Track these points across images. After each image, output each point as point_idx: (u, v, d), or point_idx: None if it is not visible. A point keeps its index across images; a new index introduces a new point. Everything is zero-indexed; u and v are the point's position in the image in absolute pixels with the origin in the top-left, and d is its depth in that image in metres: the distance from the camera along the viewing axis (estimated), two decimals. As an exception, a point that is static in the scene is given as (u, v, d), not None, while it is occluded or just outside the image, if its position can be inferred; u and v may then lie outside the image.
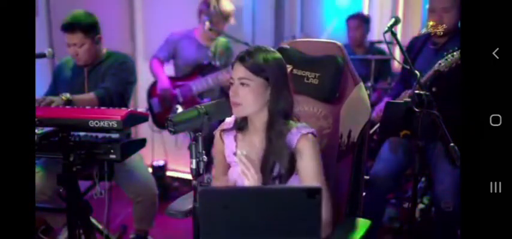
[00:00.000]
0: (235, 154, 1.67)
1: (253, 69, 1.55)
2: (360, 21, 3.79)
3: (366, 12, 4.40)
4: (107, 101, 2.49)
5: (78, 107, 2.34)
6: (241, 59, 1.57)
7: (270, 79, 1.57)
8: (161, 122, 3.32)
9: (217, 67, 3.28)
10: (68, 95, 2.35)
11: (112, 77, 2.57)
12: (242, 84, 1.56)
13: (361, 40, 3.79)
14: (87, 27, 2.53)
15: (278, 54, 1.62)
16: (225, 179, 1.72)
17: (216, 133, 1.74)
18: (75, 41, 2.51)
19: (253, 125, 1.65)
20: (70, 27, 2.50)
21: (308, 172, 1.57)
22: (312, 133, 1.60)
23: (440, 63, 2.16)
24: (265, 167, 1.59)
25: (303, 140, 1.57)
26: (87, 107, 2.09)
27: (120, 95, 2.59)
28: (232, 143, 1.70)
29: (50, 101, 2.29)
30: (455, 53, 2.12)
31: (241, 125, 1.69)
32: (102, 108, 2.05)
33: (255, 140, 1.66)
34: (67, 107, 2.26)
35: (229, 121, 1.71)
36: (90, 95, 2.49)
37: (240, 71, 1.57)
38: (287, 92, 1.60)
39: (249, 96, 1.56)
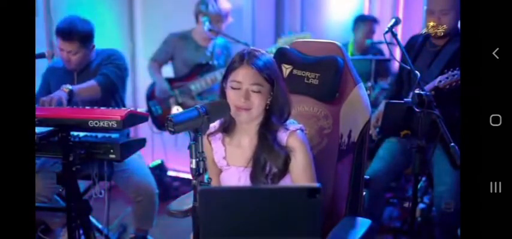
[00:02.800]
0: (225, 158, 1.66)
1: (265, 74, 1.52)
2: (372, 24, 3.79)
3: (366, 12, 4.40)
4: (109, 86, 2.48)
5: (81, 96, 2.33)
6: (251, 62, 1.52)
7: (275, 82, 1.56)
8: (161, 123, 3.32)
9: (215, 67, 3.28)
10: (69, 86, 2.30)
11: (106, 66, 2.54)
12: (256, 91, 1.52)
13: (366, 41, 3.79)
14: (84, 36, 2.48)
15: (271, 57, 1.62)
16: (217, 185, 1.70)
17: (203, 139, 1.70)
18: (70, 49, 2.46)
19: (243, 126, 1.62)
20: (67, 35, 2.44)
21: (298, 167, 1.58)
22: (301, 129, 1.61)
23: (440, 81, 2.15)
24: (256, 166, 1.58)
25: (292, 137, 1.57)
26: (87, 107, 2.09)
27: (119, 78, 2.56)
28: (220, 148, 1.67)
29: (59, 98, 2.24)
30: (456, 72, 2.11)
31: (227, 126, 1.64)
32: (102, 108, 2.05)
33: (244, 141, 1.64)
34: (67, 106, 2.25)
35: (214, 124, 1.65)
36: (91, 82, 2.45)
37: (252, 76, 1.52)
38: (287, 94, 1.60)
39: (258, 102, 1.53)
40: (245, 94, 1.52)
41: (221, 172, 1.70)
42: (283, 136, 1.58)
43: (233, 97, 1.54)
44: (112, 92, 2.54)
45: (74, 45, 2.45)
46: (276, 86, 1.56)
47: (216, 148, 1.68)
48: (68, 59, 2.50)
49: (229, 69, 1.57)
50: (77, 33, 2.44)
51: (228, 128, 1.65)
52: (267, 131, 1.58)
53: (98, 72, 2.53)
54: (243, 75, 1.52)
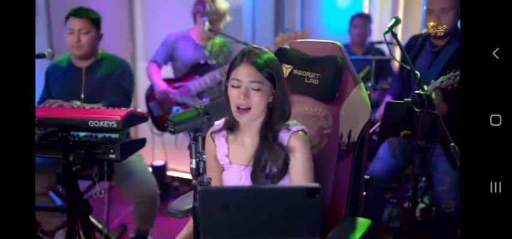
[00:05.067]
0: (227, 156, 1.67)
1: (265, 72, 1.52)
2: (365, 21, 3.79)
3: (366, 11, 4.40)
4: None
5: None
6: (251, 60, 1.52)
7: (276, 81, 1.55)
8: (161, 124, 3.32)
9: (214, 66, 3.28)
10: (78, 103, 2.33)
11: (114, 87, 2.56)
12: (255, 89, 1.52)
13: (364, 40, 3.79)
14: (95, 18, 2.59)
15: (273, 54, 1.61)
16: (219, 182, 1.71)
17: (207, 136, 1.70)
18: (82, 26, 2.53)
19: (246, 125, 1.63)
20: (79, 12, 2.56)
21: (297, 169, 1.58)
22: (303, 130, 1.61)
23: (442, 81, 2.15)
24: (257, 166, 1.59)
25: (293, 137, 1.57)
26: (87, 107, 2.09)
27: (123, 105, 2.58)
28: (224, 145, 1.67)
29: (61, 105, 2.26)
30: (457, 73, 2.11)
31: (231, 125, 1.65)
32: (102, 108, 2.05)
33: (246, 139, 1.64)
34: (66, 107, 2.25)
35: (219, 122, 1.67)
36: (97, 107, 2.48)
37: (252, 74, 1.51)
38: (287, 93, 1.60)
39: (258, 101, 1.52)
40: (245, 92, 1.52)
41: (223, 170, 1.70)
42: (285, 136, 1.58)
43: (233, 95, 1.54)
44: None
45: (85, 23, 2.55)
46: (277, 84, 1.56)
47: (220, 145, 1.68)
48: (78, 39, 2.54)
49: (231, 68, 1.57)
50: (88, 12, 2.58)
51: (232, 127, 1.66)
52: (269, 131, 1.58)
53: (106, 87, 2.54)
54: (243, 73, 1.52)
